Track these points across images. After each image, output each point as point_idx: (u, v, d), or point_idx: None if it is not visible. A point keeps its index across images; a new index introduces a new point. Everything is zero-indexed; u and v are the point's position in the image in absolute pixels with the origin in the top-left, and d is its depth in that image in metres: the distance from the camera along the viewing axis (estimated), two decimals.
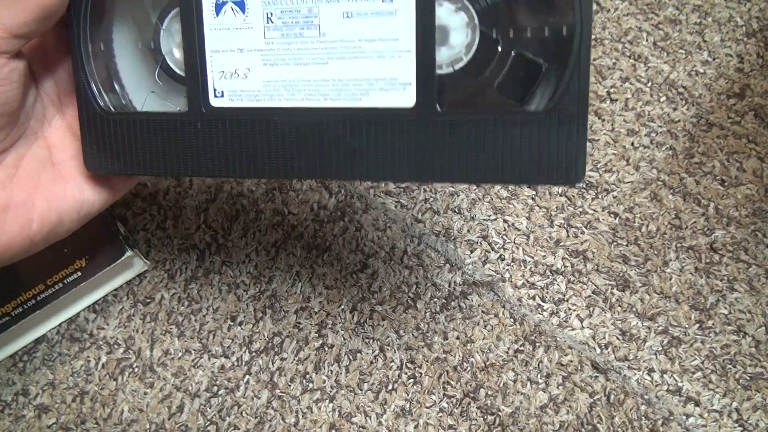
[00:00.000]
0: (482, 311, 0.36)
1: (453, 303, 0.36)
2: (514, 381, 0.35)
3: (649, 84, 0.38)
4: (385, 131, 0.23)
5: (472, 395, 0.35)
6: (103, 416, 0.35)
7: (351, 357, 0.35)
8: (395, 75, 0.23)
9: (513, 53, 0.22)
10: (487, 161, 0.22)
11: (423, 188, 0.38)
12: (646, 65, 0.38)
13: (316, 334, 0.36)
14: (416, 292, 0.36)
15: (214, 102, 0.24)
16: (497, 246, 0.37)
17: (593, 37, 0.39)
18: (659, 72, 0.38)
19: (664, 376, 0.35)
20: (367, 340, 0.36)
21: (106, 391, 0.35)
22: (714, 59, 0.38)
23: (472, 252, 0.37)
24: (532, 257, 0.36)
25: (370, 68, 0.23)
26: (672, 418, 0.34)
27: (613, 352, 0.35)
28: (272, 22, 0.23)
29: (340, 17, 0.23)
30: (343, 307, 0.36)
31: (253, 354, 0.35)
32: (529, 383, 0.35)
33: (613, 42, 0.39)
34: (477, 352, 0.35)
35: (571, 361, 0.35)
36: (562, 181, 0.22)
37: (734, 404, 0.34)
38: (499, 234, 0.37)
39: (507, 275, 0.36)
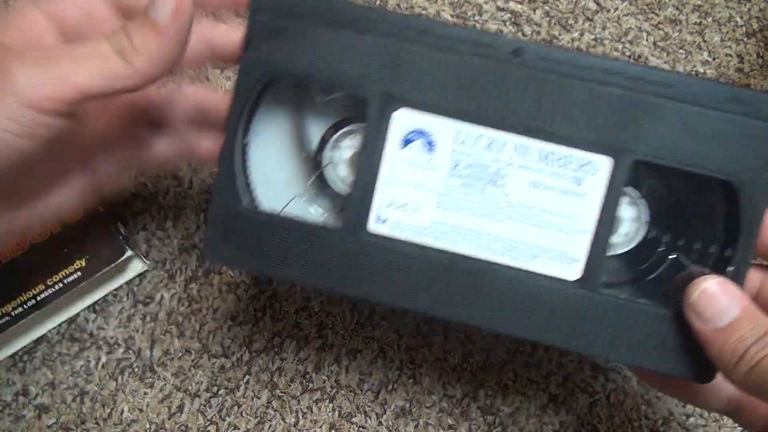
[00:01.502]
0: None
1: None
2: (514, 381, 0.35)
3: None
4: (542, 297, 0.24)
5: (472, 395, 0.35)
6: (103, 416, 0.35)
7: (351, 357, 0.35)
8: (566, 249, 0.24)
9: (672, 256, 0.25)
10: (630, 344, 0.24)
11: None
12: (646, 65, 0.38)
13: (316, 334, 0.36)
14: None
15: (373, 227, 0.24)
16: None
17: (593, 37, 0.39)
18: None
19: None
20: (367, 340, 0.36)
21: (106, 391, 0.35)
22: (714, 59, 0.38)
23: None
24: None
25: (544, 237, 0.24)
26: (672, 418, 0.34)
27: None
28: (457, 170, 0.24)
29: (526, 184, 0.24)
30: (343, 307, 0.36)
31: (253, 354, 0.35)
32: (529, 383, 0.35)
33: (613, 42, 0.39)
34: (477, 352, 0.35)
35: (571, 361, 0.35)
36: (692, 377, 0.24)
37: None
38: None
39: None
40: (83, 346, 0.36)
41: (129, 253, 0.34)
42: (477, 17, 0.39)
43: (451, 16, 0.39)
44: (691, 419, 0.34)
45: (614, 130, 0.23)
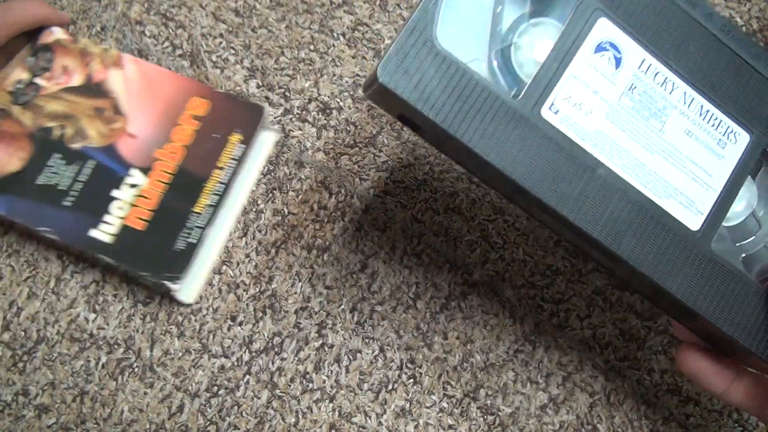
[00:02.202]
0: (482, 311, 0.36)
1: (453, 303, 0.36)
2: (514, 381, 0.35)
3: None
4: (663, 234, 0.26)
5: (472, 395, 0.35)
6: (103, 416, 0.35)
7: (351, 357, 0.35)
8: (696, 200, 0.26)
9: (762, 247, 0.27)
10: (722, 305, 0.26)
11: (422, 188, 0.38)
12: None
13: (316, 334, 0.36)
14: (416, 292, 0.36)
15: (545, 113, 0.25)
16: (497, 246, 0.37)
17: None
18: None
19: (664, 376, 0.35)
20: (367, 340, 0.36)
21: (106, 391, 0.35)
22: None
23: (472, 252, 0.37)
24: (532, 257, 0.36)
25: (682, 181, 0.26)
26: (672, 418, 0.34)
27: (613, 352, 0.35)
28: (632, 93, 0.26)
29: (682, 130, 0.26)
30: (343, 307, 0.36)
31: (253, 354, 0.35)
32: (529, 383, 0.35)
33: None
34: (477, 352, 0.35)
35: (571, 361, 0.35)
36: (747, 340, 0.25)
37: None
38: (499, 234, 0.37)
39: (507, 275, 0.36)
40: (83, 346, 0.36)
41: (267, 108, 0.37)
42: None
43: None
44: (691, 419, 0.34)
45: (760, 113, 0.26)
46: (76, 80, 0.37)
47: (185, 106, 0.37)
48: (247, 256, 0.37)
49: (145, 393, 0.35)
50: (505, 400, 0.34)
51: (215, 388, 0.35)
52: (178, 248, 0.34)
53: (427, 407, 0.35)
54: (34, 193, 0.35)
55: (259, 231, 0.37)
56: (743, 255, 0.27)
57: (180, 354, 0.36)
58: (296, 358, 0.35)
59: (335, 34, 0.40)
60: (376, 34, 0.40)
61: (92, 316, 0.36)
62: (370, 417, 0.35)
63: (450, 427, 0.34)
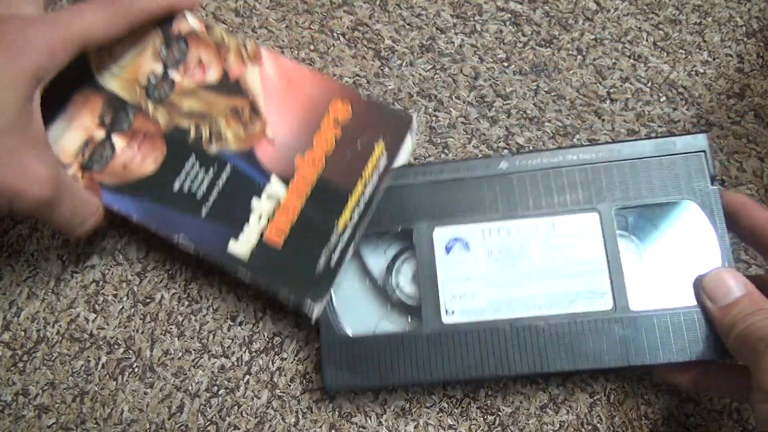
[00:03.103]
0: None
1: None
2: (514, 381, 0.35)
3: (649, 84, 0.38)
4: (591, 329, 0.30)
5: (472, 395, 0.35)
6: (103, 416, 0.35)
7: None
8: (594, 287, 0.31)
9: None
10: (665, 345, 0.30)
11: None
12: (646, 65, 0.38)
13: (316, 334, 0.36)
14: None
15: (446, 319, 0.31)
16: None
17: (593, 37, 0.39)
18: (659, 72, 0.38)
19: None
20: None
21: (106, 391, 0.35)
22: (714, 59, 0.38)
23: None
24: None
25: (573, 283, 0.31)
26: (672, 418, 0.34)
27: None
28: (492, 256, 0.31)
29: (546, 250, 0.31)
30: None
31: (253, 354, 0.35)
32: (529, 383, 0.35)
33: (613, 42, 0.39)
34: None
35: None
36: (715, 355, 0.29)
37: (734, 404, 0.34)
38: None
39: None
40: (83, 346, 0.36)
41: (414, 115, 0.34)
42: (477, 17, 0.39)
43: (451, 16, 0.40)
44: (692, 419, 0.34)
45: (590, 193, 0.32)
46: (212, 75, 0.34)
47: (327, 110, 0.33)
48: None
49: (145, 393, 0.35)
50: (505, 400, 0.34)
51: (215, 388, 0.35)
52: (320, 268, 0.31)
53: (427, 407, 0.35)
54: (170, 198, 0.32)
55: None
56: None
57: (180, 354, 0.36)
58: (296, 358, 0.35)
59: (335, 34, 0.40)
60: (376, 34, 0.40)
61: (92, 316, 0.36)
62: (370, 417, 0.35)
63: (450, 427, 0.34)
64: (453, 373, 0.30)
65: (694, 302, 0.30)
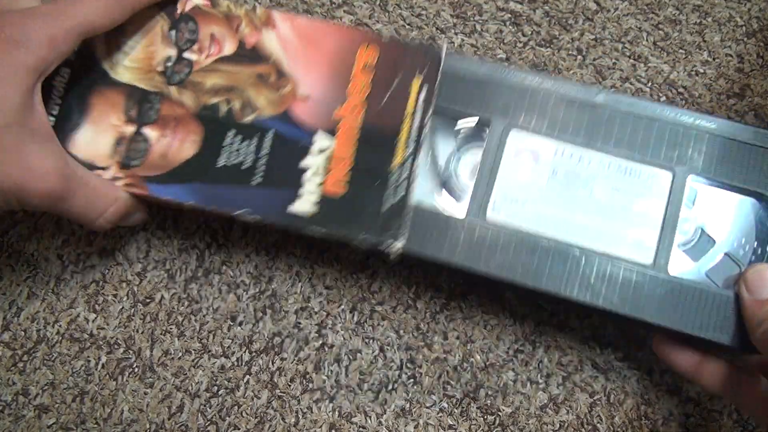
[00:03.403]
0: (482, 311, 0.36)
1: (453, 303, 0.36)
2: (514, 381, 0.35)
3: (649, 84, 0.38)
4: (623, 275, 0.30)
5: (472, 395, 0.35)
6: (103, 416, 0.35)
7: (351, 357, 0.35)
8: (642, 237, 0.31)
9: (722, 253, 0.31)
10: (686, 315, 0.30)
11: None
12: (646, 65, 0.38)
13: (316, 334, 0.36)
14: (416, 292, 0.36)
15: (490, 215, 0.31)
16: None
17: (593, 37, 0.39)
18: (659, 72, 0.38)
19: (664, 376, 0.35)
20: (367, 340, 0.36)
21: (106, 391, 0.35)
22: (714, 59, 0.38)
23: None
24: None
25: (622, 228, 0.31)
26: (672, 418, 0.34)
27: (613, 352, 0.35)
28: (557, 176, 0.32)
29: (609, 189, 0.31)
30: (343, 307, 0.36)
31: (253, 354, 0.35)
32: (529, 383, 0.35)
33: (613, 42, 0.39)
34: (477, 352, 0.35)
35: (571, 361, 0.35)
36: (735, 345, 0.29)
37: (734, 404, 0.34)
38: None
39: None
40: (83, 346, 0.36)
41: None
42: (477, 17, 0.39)
43: (451, 16, 0.40)
44: (691, 419, 0.34)
45: (673, 153, 0.31)
46: (229, 48, 0.33)
47: (354, 58, 0.33)
48: (247, 256, 0.37)
49: (145, 393, 0.35)
50: (505, 400, 0.34)
51: (215, 388, 0.35)
52: (387, 206, 0.32)
53: (427, 407, 0.35)
54: (219, 176, 0.32)
55: (259, 231, 0.37)
56: (708, 269, 0.31)
57: (180, 354, 0.36)
58: (296, 358, 0.35)
59: None
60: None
61: (92, 316, 0.36)
62: (370, 417, 0.35)
63: (450, 427, 0.34)
64: (477, 265, 0.30)
65: (731, 289, 0.30)
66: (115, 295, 0.37)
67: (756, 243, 0.31)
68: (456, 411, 0.34)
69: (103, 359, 0.36)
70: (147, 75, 0.33)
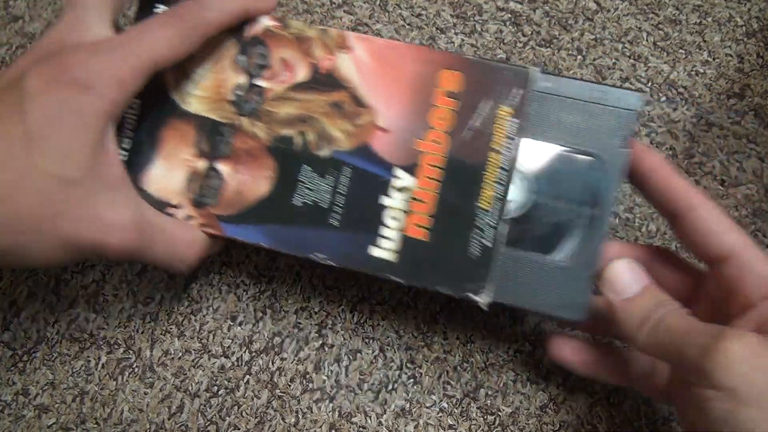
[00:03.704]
0: (482, 311, 0.36)
1: (453, 303, 0.36)
2: (514, 381, 0.35)
3: (649, 84, 0.38)
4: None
5: (472, 395, 0.35)
6: (103, 416, 0.35)
7: (351, 357, 0.35)
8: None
9: (557, 220, 0.30)
10: (522, 289, 0.29)
11: None
12: (646, 65, 0.38)
13: (316, 334, 0.36)
14: (416, 292, 0.36)
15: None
16: None
17: (593, 37, 0.39)
18: (659, 72, 0.38)
19: None
20: (367, 340, 0.36)
21: (106, 391, 0.35)
22: (714, 59, 0.38)
23: None
24: None
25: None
26: (672, 418, 0.34)
27: None
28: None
29: None
30: (343, 307, 0.36)
31: (253, 354, 0.36)
32: (529, 383, 0.35)
33: (613, 42, 0.39)
34: (477, 352, 0.35)
35: None
36: (567, 314, 0.29)
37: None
38: None
39: None
40: (83, 346, 0.36)
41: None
42: (477, 17, 0.39)
43: (451, 16, 0.40)
44: None
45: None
46: (302, 74, 0.31)
47: (436, 83, 0.30)
48: (247, 256, 0.37)
49: (145, 393, 0.35)
50: (505, 400, 0.34)
51: (215, 388, 0.35)
52: (472, 253, 0.29)
53: (427, 407, 0.35)
54: (293, 216, 0.30)
55: None
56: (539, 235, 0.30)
57: (180, 354, 0.36)
58: (296, 358, 0.35)
59: None
60: (376, 34, 0.40)
61: (92, 316, 0.36)
62: (370, 417, 0.35)
63: (450, 427, 0.34)
64: None
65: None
66: (115, 295, 0.37)
67: (591, 210, 0.30)
68: (456, 411, 0.34)
69: (103, 359, 0.36)
70: (217, 104, 0.31)
